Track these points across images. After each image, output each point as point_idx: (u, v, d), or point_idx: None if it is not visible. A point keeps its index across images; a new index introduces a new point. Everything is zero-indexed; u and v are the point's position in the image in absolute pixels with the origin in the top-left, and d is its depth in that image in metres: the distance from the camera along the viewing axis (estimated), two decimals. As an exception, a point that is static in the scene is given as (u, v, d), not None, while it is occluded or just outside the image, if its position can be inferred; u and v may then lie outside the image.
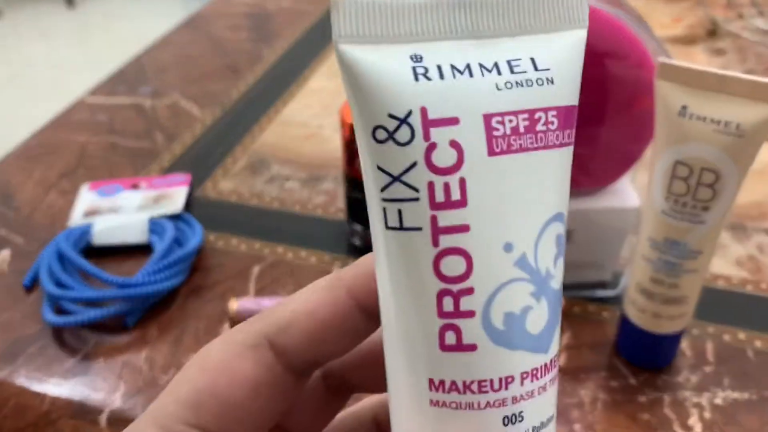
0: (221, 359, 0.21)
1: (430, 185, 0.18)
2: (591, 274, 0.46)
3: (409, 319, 0.19)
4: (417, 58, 0.18)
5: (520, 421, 0.19)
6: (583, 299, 0.46)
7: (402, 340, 0.19)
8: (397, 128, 0.18)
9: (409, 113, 0.18)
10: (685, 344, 0.43)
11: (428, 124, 0.18)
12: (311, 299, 0.21)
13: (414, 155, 0.18)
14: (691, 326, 0.44)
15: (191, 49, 0.81)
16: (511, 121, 0.18)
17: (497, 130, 0.18)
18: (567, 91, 0.19)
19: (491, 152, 0.18)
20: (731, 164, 0.33)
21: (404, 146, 0.18)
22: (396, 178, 0.18)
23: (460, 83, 0.18)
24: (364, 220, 0.50)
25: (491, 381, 0.19)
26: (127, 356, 0.43)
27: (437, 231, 0.18)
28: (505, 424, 0.19)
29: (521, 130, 0.18)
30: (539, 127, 0.19)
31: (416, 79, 0.18)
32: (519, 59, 0.19)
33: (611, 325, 0.44)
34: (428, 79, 0.18)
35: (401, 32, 0.18)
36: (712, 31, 0.80)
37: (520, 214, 0.19)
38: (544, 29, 0.19)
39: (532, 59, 0.19)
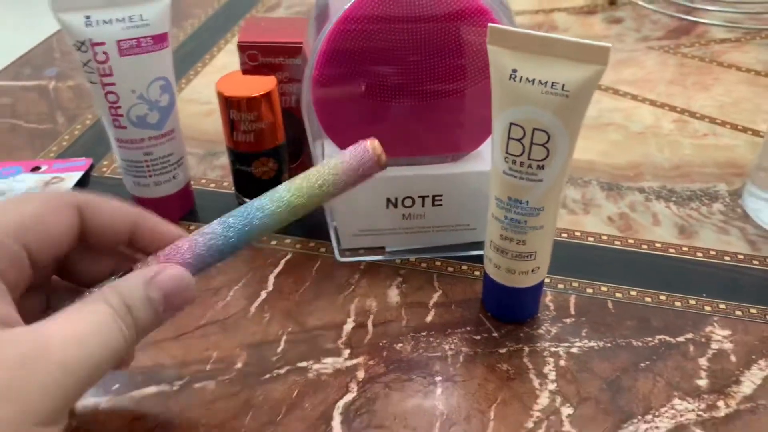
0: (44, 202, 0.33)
1: (98, 68, 0.45)
2: (464, 236, 0.48)
3: (107, 116, 0.47)
4: (88, 17, 0.44)
5: (151, 155, 0.48)
6: (457, 259, 0.48)
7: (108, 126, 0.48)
8: (81, 46, 0.44)
9: (85, 40, 0.44)
10: (549, 298, 0.45)
11: (93, 45, 0.44)
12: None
13: (89, 56, 0.44)
14: (556, 281, 0.46)
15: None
16: (129, 41, 0.45)
17: (123, 45, 0.44)
18: (157, 28, 0.45)
19: (122, 54, 0.45)
20: (560, 123, 0.35)
21: (86, 53, 0.45)
22: (86, 64, 0.45)
23: (107, 26, 0.44)
24: (249, 192, 0.51)
25: (137, 139, 0.48)
26: None
27: (104, 84, 0.45)
28: (145, 155, 0.48)
29: (134, 45, 0.45)
30: (143, 44, 0.45)
31: (86, 26, 0.44)
32: (134, 15, 0.45)
33: (482, 282, 0.46)
34: (92, 26, 0.44)
35: (82, 5, 0.44)
36: (613, 1, 0.82)
37: (137, 78, 0.46)
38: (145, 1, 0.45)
39: (141, 14, 0.45)
